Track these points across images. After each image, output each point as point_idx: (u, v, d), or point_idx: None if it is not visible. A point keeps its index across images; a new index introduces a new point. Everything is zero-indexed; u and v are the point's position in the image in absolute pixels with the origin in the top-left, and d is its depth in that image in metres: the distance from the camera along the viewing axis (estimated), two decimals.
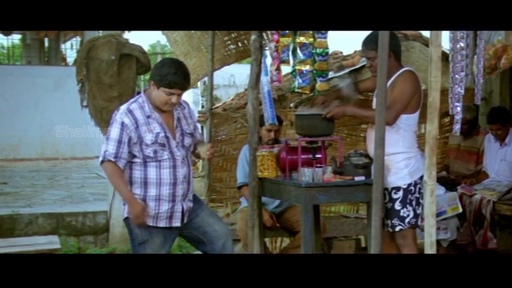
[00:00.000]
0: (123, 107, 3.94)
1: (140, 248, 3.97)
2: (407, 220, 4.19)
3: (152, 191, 3.93)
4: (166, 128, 3.94)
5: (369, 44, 4.17)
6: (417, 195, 4.21)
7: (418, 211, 4.22)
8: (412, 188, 4.19)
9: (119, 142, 3.84)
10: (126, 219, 4.02)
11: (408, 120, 4.17)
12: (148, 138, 3.88)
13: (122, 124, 3.85)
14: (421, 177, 4.14)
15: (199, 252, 4.37)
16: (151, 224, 3.94)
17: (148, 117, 3.90)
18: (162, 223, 3.97)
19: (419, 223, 4.24)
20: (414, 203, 4.20)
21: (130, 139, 3.86)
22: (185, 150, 4.04)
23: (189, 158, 4.10)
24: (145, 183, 3.93)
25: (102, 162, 3.88)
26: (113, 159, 3.84)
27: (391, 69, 4.14)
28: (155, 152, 3.90)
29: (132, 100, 4.02)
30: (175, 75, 3.84)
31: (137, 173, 3.93)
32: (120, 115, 3.88)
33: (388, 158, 3.93)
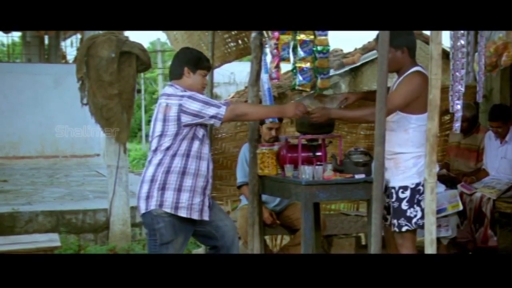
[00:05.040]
0: (178, 90, 3.99)
1: (163, 248, 3.91)
2: (414, 220, 4.08)
3: (188, 182, 3.94)
4: None
5: None
6: (425, 195, 4.14)
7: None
8: (420, 188, 4.03)
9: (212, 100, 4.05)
10: (149, 217, 3.94)
11: (418, 120, 4.07)
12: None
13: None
14: None
15: (199, 252, 4.37)
16: (184, 215, 3.94)
17: None
18: (195, 215, 3.98)
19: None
20: (422, 203, 4.05)
21: None
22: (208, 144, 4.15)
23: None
24: (183, 173, 3.94)
25: (228, 107, 3.95)
26: (228, 105, 3.98)
27: (405, 65, 4.10)
28: (203, 135, 4.02)
29: (171, 89, 4.03)
30: (205, 57, 4.13)
31: (178, 162, 3.93)
32: (187, 91, 3.97)
33: (396, 157, 3.91)
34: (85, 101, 6.46)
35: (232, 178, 6.06)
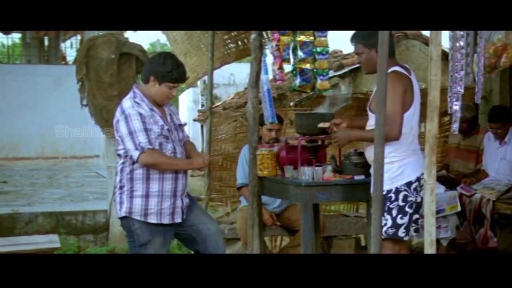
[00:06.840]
0: (128, 102, 3.91)
1: (141, 249, 3.94)
2: (383, 229, 3.75)
3: (154, 187, 3.91)
4: (166, 122, 3.97)
5: (355, 38, 3.93)
6: (400, 203, 3.80)
7: (401, 221, 3.81)
8: (392, 195, 3.80)
9: (146, 130, 3.83)
10: (125, 220, 3.99)
11: None
12: (155, 130, 3.88)
13: (140, 114, 3.84)
14: (408, 184, 3.80)
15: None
16: (154, 221, 3.92)
17: (151, 109, 3.92)
18: (166, 220, 3.95)
19: (400, 234, 3.83)
20: (394, 212, 3.80)
21: (152, 128, 3.86)
22: (181, 145, 4.05)
23: (184, 153, 4.09)
24: (147, 179, 3.91)
25: (141, 154, 3.79)
26: (151, 146, 3.81)
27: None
28: (160, 144, 3.90)
29: (128, 96, 3.98)
30: (178, 70, 3.92)
31: (140, 169, 3.90)
32: (132, 108, 3.86)
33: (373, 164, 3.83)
34: (85, 102, 6.46)
35: (232, 179, 6.08)
